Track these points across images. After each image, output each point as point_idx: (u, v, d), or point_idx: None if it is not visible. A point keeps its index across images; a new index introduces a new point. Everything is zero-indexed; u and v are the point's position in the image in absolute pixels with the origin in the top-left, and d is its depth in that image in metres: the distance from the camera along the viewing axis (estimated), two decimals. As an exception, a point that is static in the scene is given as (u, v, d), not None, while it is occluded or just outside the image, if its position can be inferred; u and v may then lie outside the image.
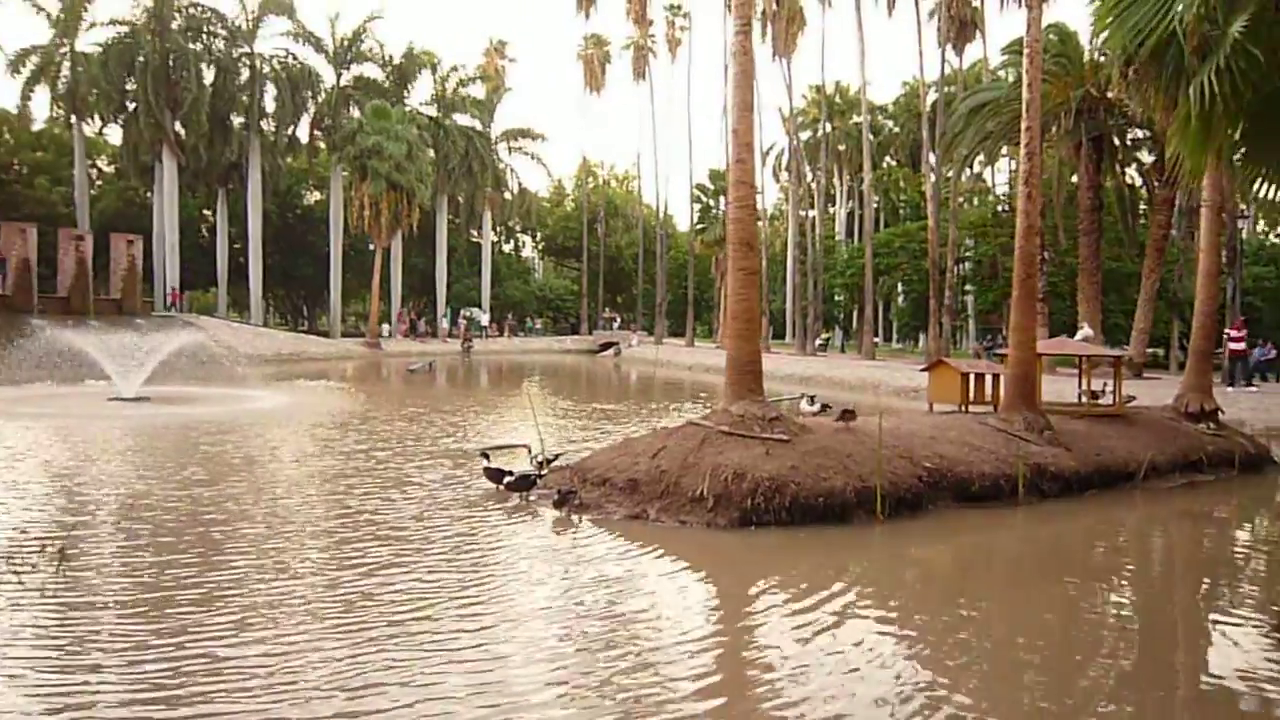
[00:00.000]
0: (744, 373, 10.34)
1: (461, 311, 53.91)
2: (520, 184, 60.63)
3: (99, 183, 54.08)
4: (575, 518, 8.84)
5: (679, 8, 54.08)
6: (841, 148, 57.63)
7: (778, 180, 62.89)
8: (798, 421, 10.46)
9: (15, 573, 6.36)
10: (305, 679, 4.79)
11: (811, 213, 54.73)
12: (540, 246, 72.94)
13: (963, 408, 12.90)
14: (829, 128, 51.70)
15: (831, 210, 62.03)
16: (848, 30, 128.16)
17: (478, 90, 55.00)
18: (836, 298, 50.01)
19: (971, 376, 13.37)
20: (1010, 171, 47.09)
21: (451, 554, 7.41)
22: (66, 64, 43.34)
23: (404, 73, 49.64)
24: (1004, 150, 33.33)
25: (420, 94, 51.97)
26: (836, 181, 60.22)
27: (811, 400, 14.16)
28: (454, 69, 52.90)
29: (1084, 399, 13.51)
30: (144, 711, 4.40)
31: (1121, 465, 11.46)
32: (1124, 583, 7.89)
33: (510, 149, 58.52)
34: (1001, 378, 13.02)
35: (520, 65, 66.82)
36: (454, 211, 57.05)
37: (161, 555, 7.01)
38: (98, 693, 4.60)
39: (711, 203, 51.82)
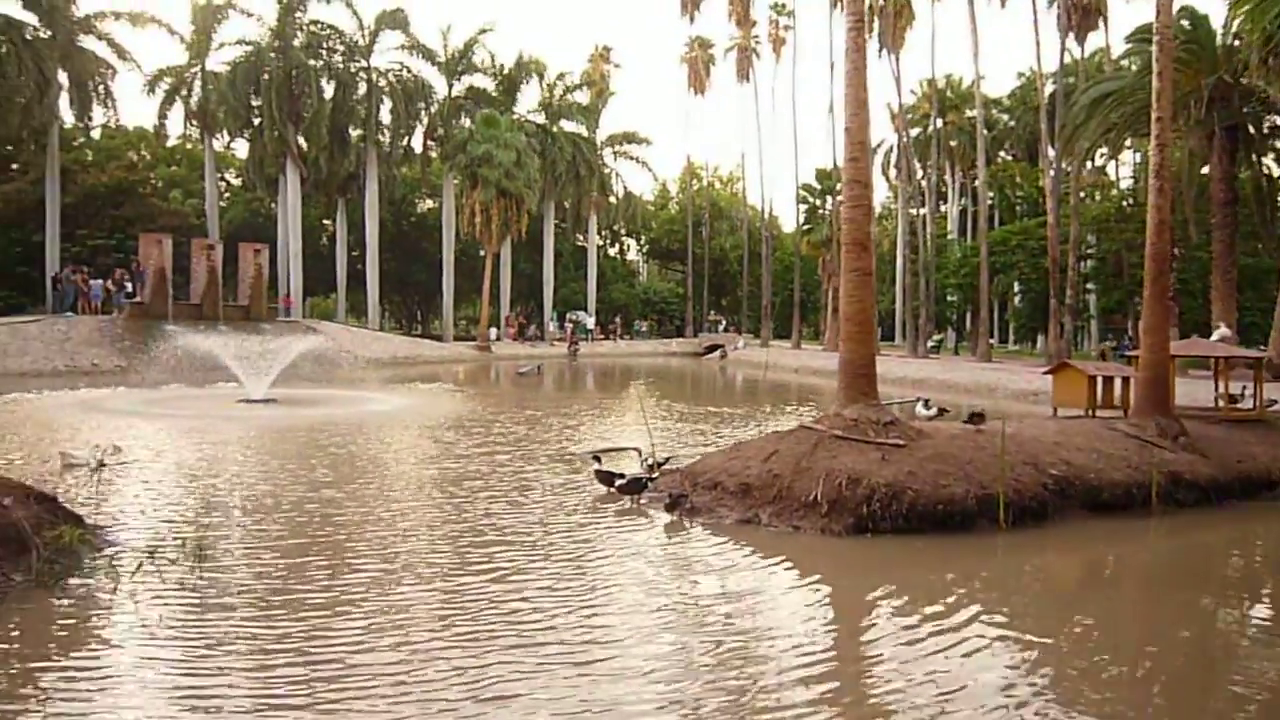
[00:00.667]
0: (857, 376, 10.15)
1: (568, 315, 54.61)
2: (625, 188, 61.08)
3: (227, 195, 56.89)
4: (687, 521, 8.81)
5: (783, 6, 53.65)
6: (953, 143, 56.07)
7: (887, 178, 61.57)
8: (913, 426, 10.20)
9: (157, 568, 6.70)
10: (434, 688, 4.84)
11: (922, 211, 53.42)
12: (645, 249, 73.28)
13: (1089, 412, 12.35)
14: (940, 123, 50.34)
15: (943, 208, 60.41)
16: (956, 23, 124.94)
17: (583, 96, 55.62)
18: (949, 298, 48.64)
19: (1099, 379, 12.80)
20: (1135, 164, 45.02)
21: (571, 560, 7.44)
22: (198, 83, 45.77)
23: (513, 81, 50.57)
24: (1128, 142, 31.88)
25: (528, 102, 52.91)
26: (948, 178, 58.63)
27: (926, 404, 13.83)
28: (560, 76, 53.66)
29: (1221, 403, 12.78)
30: (272, 716, 4.51)
31: (1264, 474, 10.80)
32: (1265, 598, 7.41)
33: (615, 153, 59.00)
34: (1131, 380, 12.42)
35: (624, 69, 67.14)
36: (560, 216, 57.85)
37: (291, 557, 7.23)
38: (226, 695, 4.72)
39: (818, 203, 51.01)
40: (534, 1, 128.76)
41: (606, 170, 57.98)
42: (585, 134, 54.82)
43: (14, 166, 52.59)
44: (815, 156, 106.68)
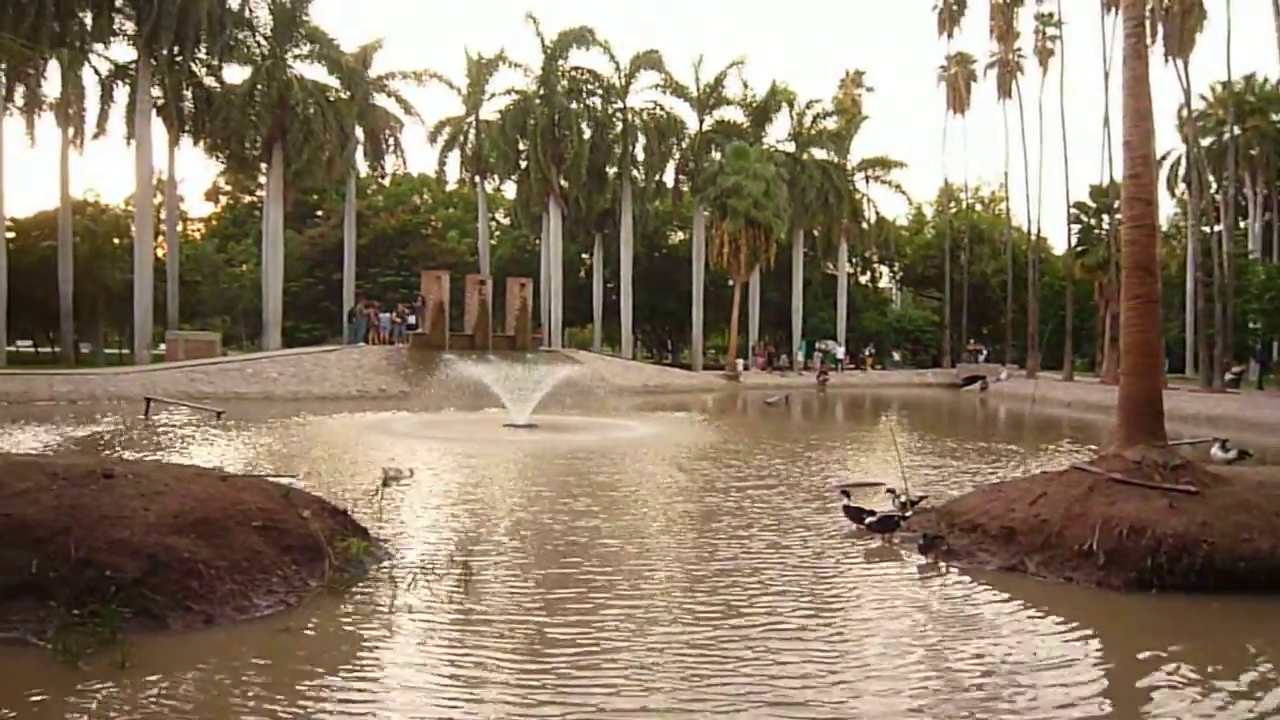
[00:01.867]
0: (1141, 413, 9.23)
1: (817, 344, 53.86)
2: (877, 213, 59.67)
3: (497, 233, 61.25)
4: (942, 565, 8.32)
5: (1049, 17, 50.45)
6: (1254, 151, 50.14)
7: (1173, 193, 56.01)
8: (1208, 470, 9.11)
9: (429, 583, 7.19)
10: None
11: (1217, 228, 48.08)
12: (899, 276, 71.00)
13: None
14: (1237, 130, 45.23)
15: (1242, 224, 54.03)
16: (1254, 18, 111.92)
17: (833, 123, 55.00)
18: (1251, 325, 43.30)
19: None
20: None
21: (825, 607, 7.07)
22: (472, 132, 49.74)
23: (763, 111, 50.91)
24: None
25: (777, 131, 53.06)
26: (1248, 190, 52.45)
27: (1224, 445, 12.31)
28: (810, 104, 53.40)
29: None
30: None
31: None
32: None
33: (867, 178, 57.84)
34: None
35: (875, 92, 65.66)
36: (810, 244, 57.36)
37: (551, 590, 7.21)
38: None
39: (1093, 222, 47.33)
40: (782, 30, 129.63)
41: (858, 196, 56.91)
42: (835, 160, 54.14)
43: (318, 213, 59.46)
44: (1088, 173, 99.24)
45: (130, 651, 5.33)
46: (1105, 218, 43.26)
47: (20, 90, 36.34)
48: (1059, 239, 64.96)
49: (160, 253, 42.33)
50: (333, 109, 39.34)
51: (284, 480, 8.83)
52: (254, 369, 29.92)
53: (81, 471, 6.90)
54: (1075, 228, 47.61)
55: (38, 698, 4.95)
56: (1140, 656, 6.24)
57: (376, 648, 5.92)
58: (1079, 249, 47.07)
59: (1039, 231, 53.33)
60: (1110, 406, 11.74)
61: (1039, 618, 6.87)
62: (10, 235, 35.61)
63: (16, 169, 78.20)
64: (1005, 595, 7.38)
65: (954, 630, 6.57)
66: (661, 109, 49.38)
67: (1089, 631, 6.63)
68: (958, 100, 57.59)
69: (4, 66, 33.07)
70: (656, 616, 6.67)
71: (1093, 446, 17.89)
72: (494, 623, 6.40)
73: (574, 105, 47.14)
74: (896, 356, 59.61)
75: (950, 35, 55.56)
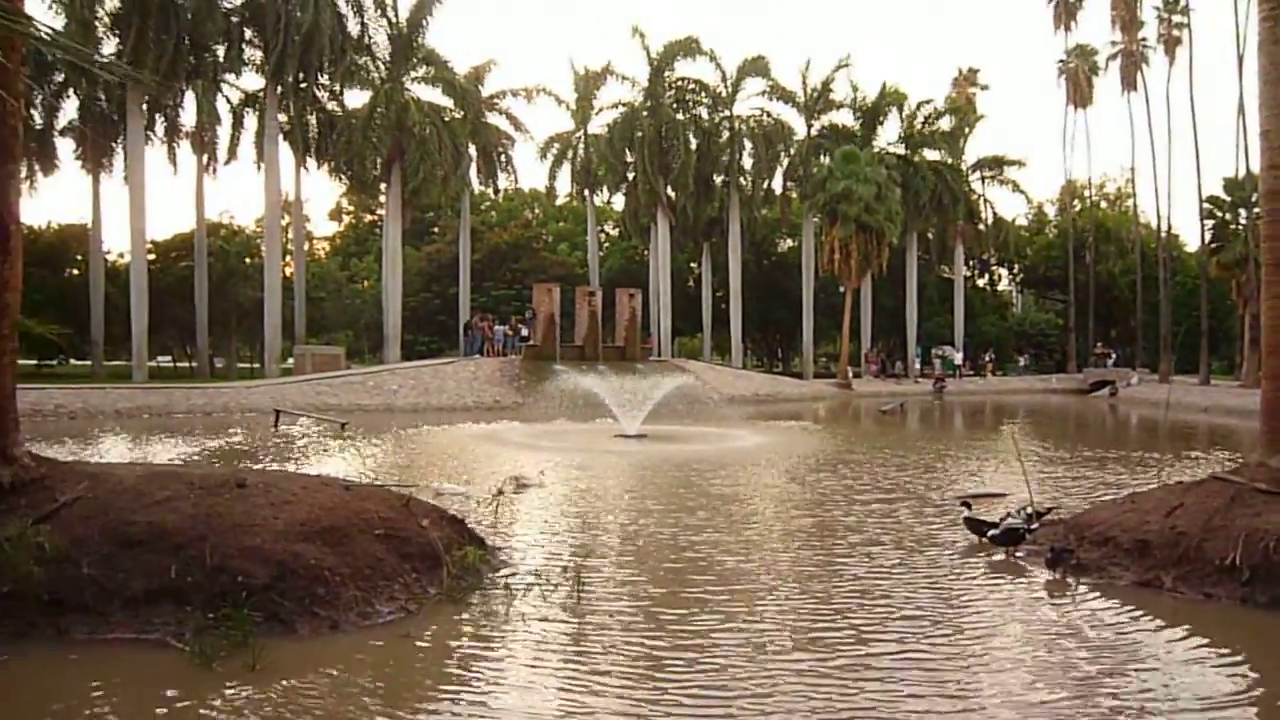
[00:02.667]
0: (1287, 419, 8.62)
1: (933, 350, 52.43)
2: (995, 214, 57.78)
3: (606, 245, 61.89)
4: (1071, 580, 7.95)
5: (1176, 3, 47.98)
6: None
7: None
8: (1368, 480, 8.44)
9: (542, 592, 7.28)
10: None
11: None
12: (1019, 278, 68.48)
13: None
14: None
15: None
16: None
17: (946, 122, 53.54)
18: None
19: None
20: None
21: (949, 625, 6.69)
22: (581, 146, 50.46)
23: (873, 114, 49.97)
24: None
25: (888, 133, 51.99)
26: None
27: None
28: (921, 104, 52.13)
29: None
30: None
31: None
32: None
33: (983, 179, 56.10)
34: None
35: (990, 90, 63.49)
36: (923, 248, 55.98)
37: (665, 607, 7.05)
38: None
39: (1228, 217, 44.55)
40: (891, 31, 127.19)
41: (973, 197, 55.27)
42: (949, 160, 52.70)
43: (434, 230, 61.31)
44: (1221, 165, 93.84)
45: (261, 655, 5.56)
46: (1242, 212, 40.68)
47: (160, 121, 38.80)
48: (1191, 236, 61.60)
49: (288, 271, 44.35)
50: (447, 129, 40.52)
51: (405, 490, 9.10)
52: (375, 382, 31.01)
53: (217, 481, 7.26)
54: (1209, 223, 44.91)
55: (177, 699, 5.20)
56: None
57: (492, 657, 6.01)
58: (1213, 245, 44.44)
59: (1169, 228, 50.69)
60: (1251, 412, 11.02)
61: (1172, 634, 6.49)
62: (151, 257, 37.89)
63: (156, 195, 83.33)
64: (1137, 611, 6.99)
65: (1108, 660, 6.03)
66: (768, 115, 49.06)
67: (1226, 649, 6.21)
68: (1079, 94, 55.37)
69: (147, 100, 35.25)
70: (774, 640, 6.34)
71: (1234, 454, 16.87)
72: (607, 638, 6.35)
73: (680, 116, 47.27)
74: (1023, 362, 57.43)
75: (1068, 29, 53.59)
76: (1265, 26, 9.26)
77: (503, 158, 47.92)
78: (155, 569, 6.24)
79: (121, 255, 42.61)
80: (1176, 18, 47.75)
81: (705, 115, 48.20)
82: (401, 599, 6.78)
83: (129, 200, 33.79)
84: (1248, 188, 37.63)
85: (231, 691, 5.27)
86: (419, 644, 6.17)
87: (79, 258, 40.81)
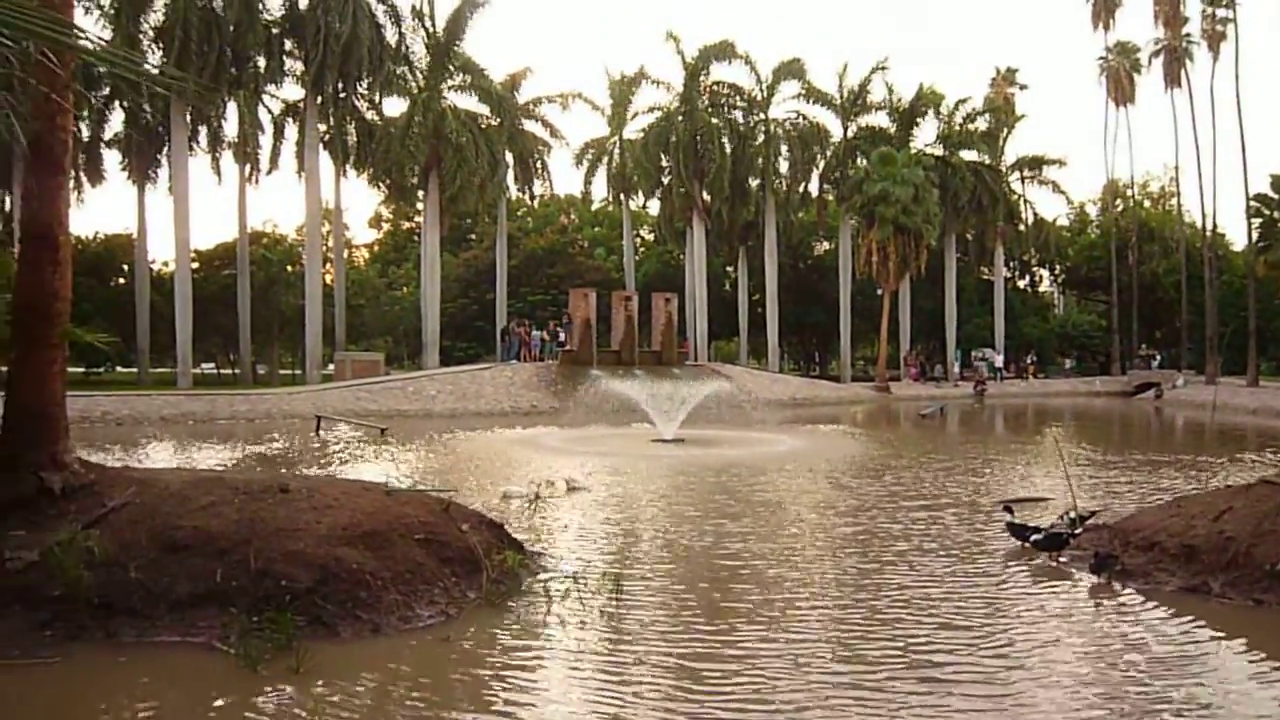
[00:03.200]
0: (1341, 422, 8.40)
1: (973, 353, 51.78)
2: (1035, 214, 57.00)
3: (642, 250, 61.91)
4: (1116, 585, 7.80)
5: (1221, -3, 47.01)
6: None
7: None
8: None
9: (580, 597, 7.29)
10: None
11: None
12: (1060, 279, 67.45)
13: None
14: None
15: None
16: None
17: (984, 123, 52.95)
18: None
19: None
20: None
21: (994, 635, 6.51)
22: (616, 151, 50.58)
23: (910, 115, 49.57)
24: None
25: (925, 135, 51.52)
26: None
27: None
28: (959, 104, 51.60)
29: None
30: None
31: None
32: None
33: (1023, 179, 55.37)
34: None
35: (1029, 90, 62.75)
36: (962, 249, 55.37)
37: (703, 615, 6.98)
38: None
39: (1276, 215, 43.57)
40: (927, 32, 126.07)
41: (1013, 197, 54.58)
42: (988, 161, 52.10)
43: (471, 236, 61.79)
44: (1268, 162, 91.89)
45: (304, 658, 5.62)
46: (1292, 209, 39.84)
47: (203, 132, 39.49)
48: (1237, 234, 60.12)
49: (328, 278, 44.92)
50: (484, 136, 40.81)
51: (444, 494, 9.17)
52: (414, 387, 31.29)
53: (260, 486, 7.37)
54: (1256, 221, 43.93)
55: (223, 701, 5.29)
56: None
57: (531, 662, 6.04)
58: (1261, 244, 43.49)
59: (1215, 227, 49.69)
60: (1305, 414, 10.77)
61: (1222, 642, 6.34)
62: (194, 266, 38.56)
63: (200, 205, 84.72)
64: (1184, 618, 6.81)
65: (1135, 658, 6.03)
66: (804, 118, 48.86)
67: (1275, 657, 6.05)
68: (1120, 92, 54.49)
69: (190, 111, 35.91)
70: (816, 651, 6.20)
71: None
72: (644, 646, 6.29)
73: (715, 120, 47.21)
74: (1068, 364, 56.53)
75: (1106, 27, 52.80)
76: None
77: (539, 164, 48.16)
78: (201, 573, 6.34)
79: (166, 264, 43.44)
80: (1221, 12, 46.76)
81: (740, 119, 48.09)
82: (441, 603, 6.83)
83: (173, 210, 34.52)
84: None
85: (276, 693, 5.34)
86: (459, 648, 6.21)
87: (125, 267, 41.68)
